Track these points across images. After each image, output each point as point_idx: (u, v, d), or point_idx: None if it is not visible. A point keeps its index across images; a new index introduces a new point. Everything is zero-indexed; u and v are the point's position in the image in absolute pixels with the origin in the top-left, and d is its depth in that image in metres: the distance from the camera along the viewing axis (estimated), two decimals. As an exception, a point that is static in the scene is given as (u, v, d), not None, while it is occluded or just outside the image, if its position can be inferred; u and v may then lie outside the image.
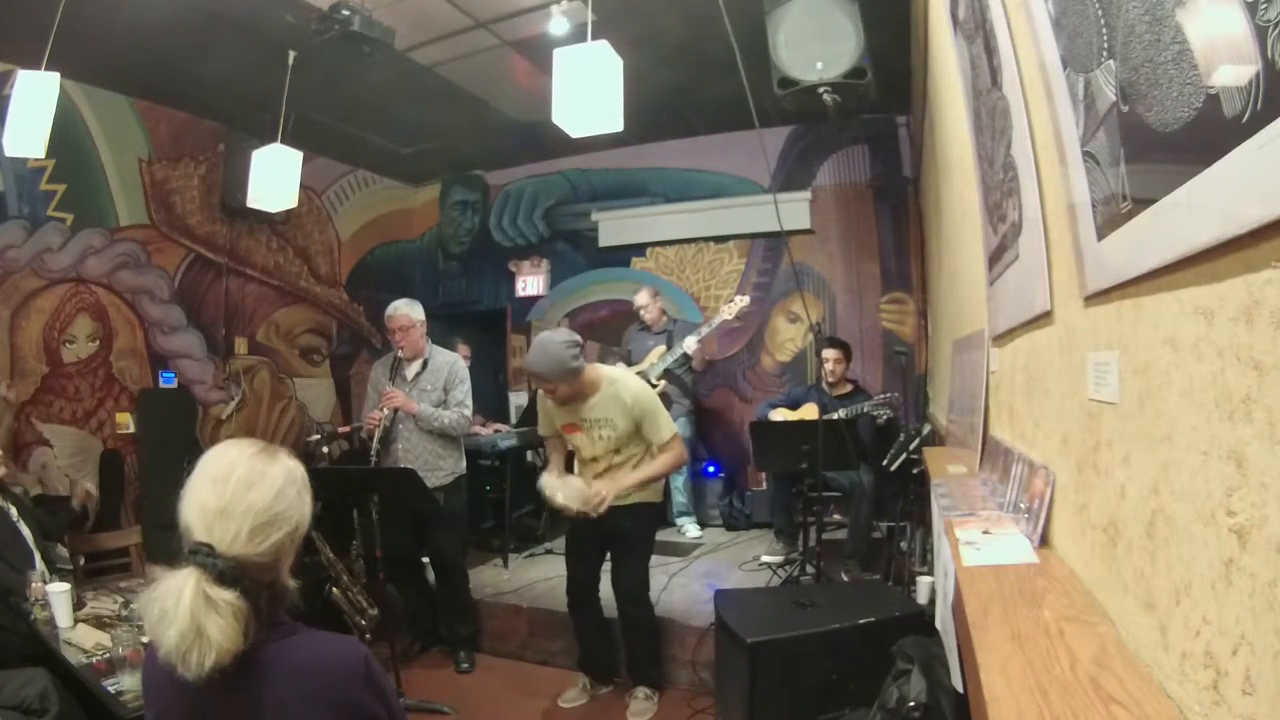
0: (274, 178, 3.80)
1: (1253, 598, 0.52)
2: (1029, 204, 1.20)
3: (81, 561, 3.18)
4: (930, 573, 2.55)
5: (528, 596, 3.72)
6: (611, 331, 5.66)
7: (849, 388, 4.35)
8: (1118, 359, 0.83)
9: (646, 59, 4.01)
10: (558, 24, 3.62)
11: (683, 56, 4.10)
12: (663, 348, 4.71)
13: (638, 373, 4.40)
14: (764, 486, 4.81)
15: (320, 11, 3.33)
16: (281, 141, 3.82)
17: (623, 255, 5.96)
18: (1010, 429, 1.54)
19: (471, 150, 5.96)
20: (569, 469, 3.05)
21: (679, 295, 5.75)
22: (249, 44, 3.82)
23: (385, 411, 3.31)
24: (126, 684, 1.90)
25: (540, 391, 2.91)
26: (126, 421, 4.53)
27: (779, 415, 4.30)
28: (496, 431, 4.85)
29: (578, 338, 2.76)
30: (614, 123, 2.57)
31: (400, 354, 3.41)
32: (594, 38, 2.59)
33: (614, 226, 5.96)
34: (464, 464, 3.55)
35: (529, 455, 4.97)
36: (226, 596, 0.98)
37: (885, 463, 3.20)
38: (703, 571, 4.07)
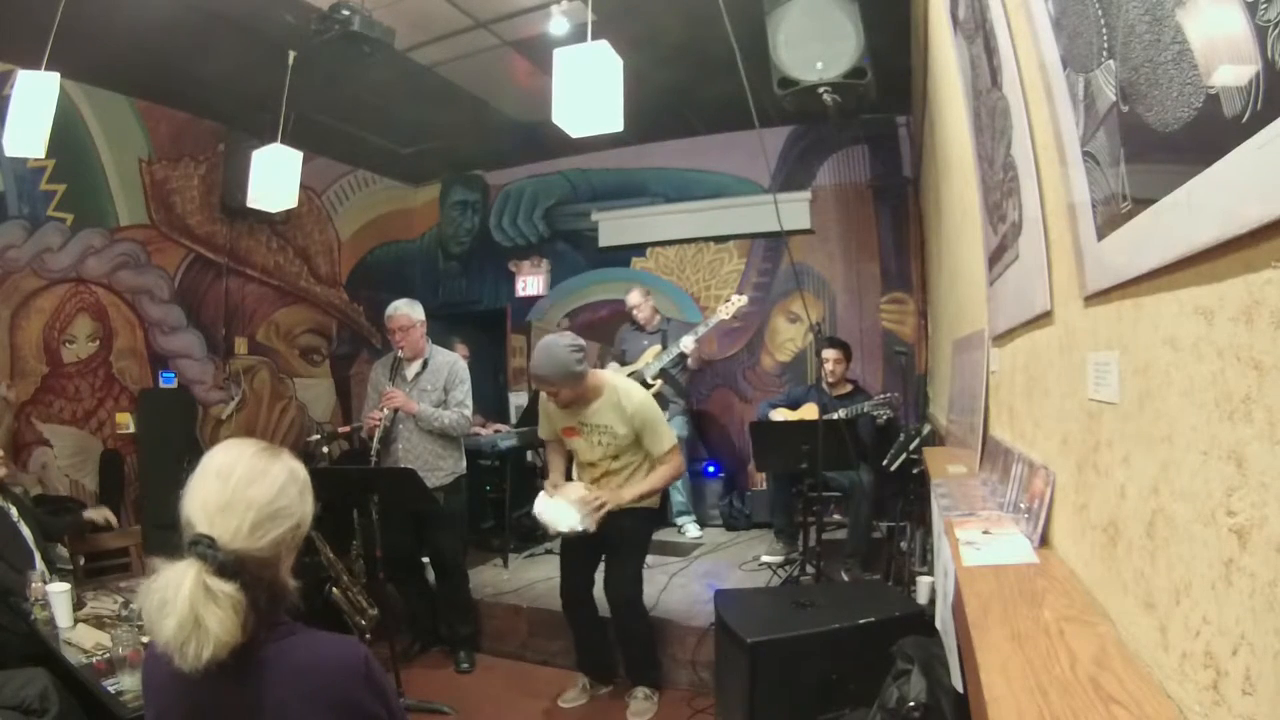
0: (274, 178, 3.80)
1: (1253, 598, 0.52)
2: (1029, 204, 1.20)
3: (81, 561, 3.17)
4: (930, 573, 2.55)
5: (528, 596, 3.72)
6: (611, 332, 5.65)
7: (849, 388, 4.35)
8: (1118, 359, 0.83)
9: (646, 59, 4.01)
10: (558, 24, 3.62)
11: (683, 56, 4.10)
12: (658, 347, 4.71)
13: (632, 372, 4.41)
14: (764, 486, 4.81)
15: (320, 11, 3.33)
16: (281, 141, 3.82)
17: (623, 255, 5.96)
18: (1010, 429, 1.54)
19: (471, 150, 5.96)
20: (568, 475, 3.06)
21: (679, 295, 5.75)
22: (249, 44, 3.82)
23: (385, 412, 3.31)
24: (126, 684, 1.90)
25: (542, 394, 2.92)
26: (126, 421, 4.54)
27: (779, 415, 4.30)
28: (496, 432, 4.85)
29: (582, 342, 2.76)
30: (614, 123, 2.57)
31: (400, 354, 3.41)
32: (594, 38, 2.59)
33: (614, 226, 5.96)
34: (464, 464, 3.55)
35: (529, 455, 4.97)
36: (226, 589, 0.98)
37: (885, 463, 3.20)
38: (703, 571, 4.07)
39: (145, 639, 1.60)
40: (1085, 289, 0.93)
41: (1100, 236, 0.85)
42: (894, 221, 5.22)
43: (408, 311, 3.39)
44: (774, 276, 5.52)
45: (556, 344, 2.68)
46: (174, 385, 4.82)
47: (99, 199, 4.45)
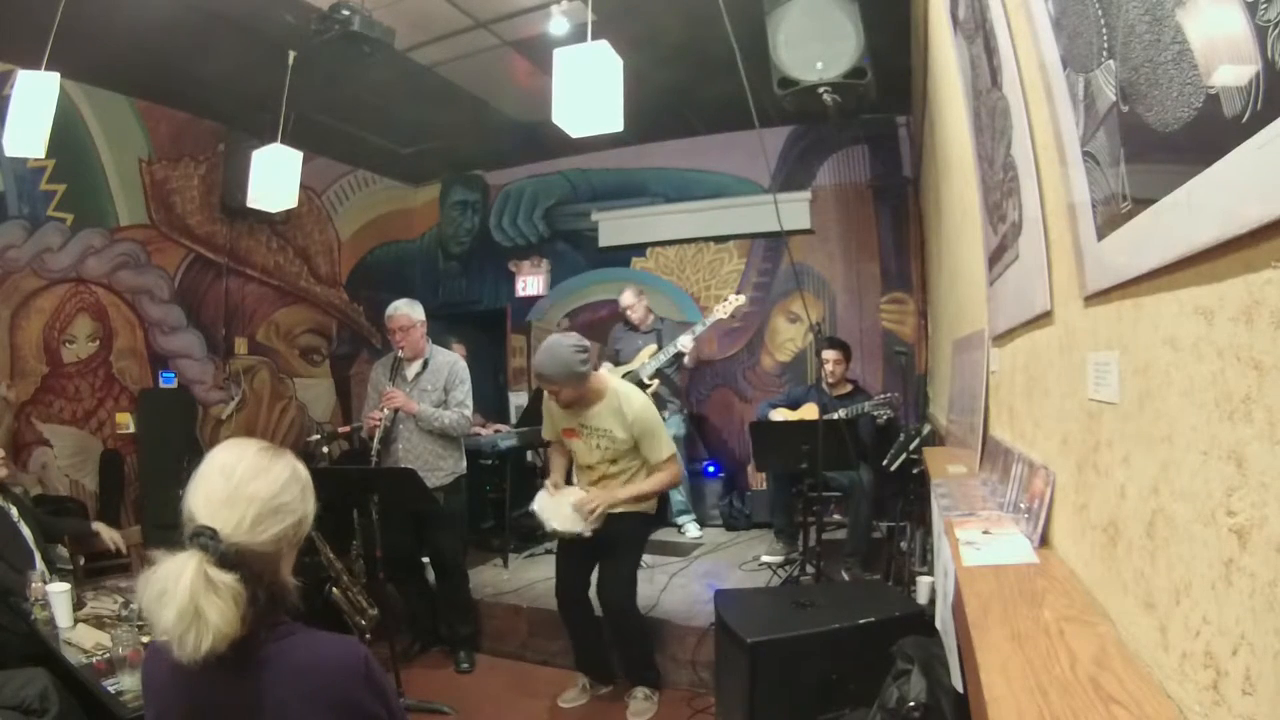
0: (274, 178, 3.80)
1: (1253, 598, 0.52)
2: (1029, 204, 1.20)
3: (81, 561, 3.17)
4: (930, 573, 2.55)
5: (528, 596, 3.72)
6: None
7: (849, 388, 4.35)
8: (1118, 359, 0.83)
9: (646, 59, 4.01)
10: (558, 24, 3.62)
11: (683, 56, 4.10)
12: (653, 347, 4.70)
13: (628, 373, 4.41)
14: (764, 486, 4.81)
15: (320, 11, 3.33)
16: (281, 141, 3.82)
17: (623, 255, 5.96)
18: (1010, 429, 1.54)
19: (471, 150, 5.96)
20: (568, 478, 3.07)
21: (679, 295, 5.75)
22: (249, 44, 3.82)
23: (385, 412, 3.32)
24: (126, 684, 1.91)
25: (546, 395, 2.92)
26: (126, 421, 4.54)
27: (779, 415, 4.30)
28: (496, 432, 4.85)
29: (587, 343, 2.77)
30: (614, 123, 2.57)
31: (400, 354, 3.40)
32: (594, 38, 2.59)
33: (614, 226, 5.96)
34: (464, 464, 3.55)
35: (529, 455, 4.97)
36: (226, 580, 0.98)
37: (885, 463, 3.20)
38: (703, 571, 4.07)
39: (145, 639, 1.60)
40: (1085, 289, 0.93)
41: (1100, 236, 0.85)
42: (894, 221, 5.22)
43: (408, 311, 3.39)
44: (774, 276, 5.52)
45: (561, 343, 2.69)
46: (174, 385, 4.82)
47: (99, 199, 4.45)
